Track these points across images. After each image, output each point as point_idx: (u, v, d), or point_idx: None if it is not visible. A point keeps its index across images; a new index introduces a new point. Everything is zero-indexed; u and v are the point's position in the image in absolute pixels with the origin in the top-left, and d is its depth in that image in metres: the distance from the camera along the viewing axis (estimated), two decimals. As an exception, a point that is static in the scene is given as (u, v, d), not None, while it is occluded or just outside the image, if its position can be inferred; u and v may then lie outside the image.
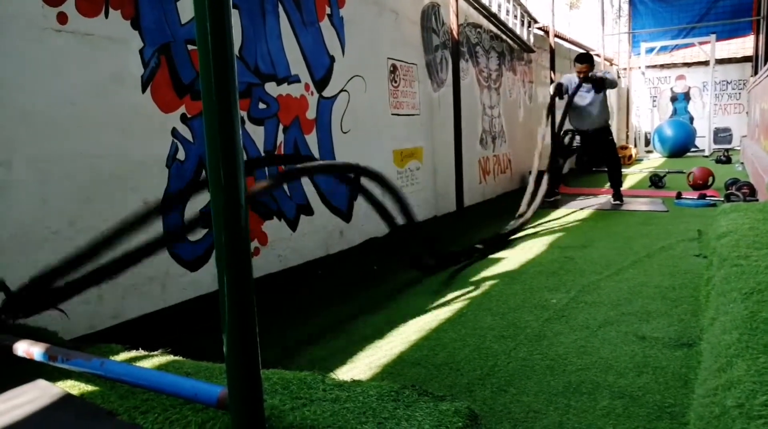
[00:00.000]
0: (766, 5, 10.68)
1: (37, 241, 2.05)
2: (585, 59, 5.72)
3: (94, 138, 2.28)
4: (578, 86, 5.66)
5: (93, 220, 2.23)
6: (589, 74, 5.64)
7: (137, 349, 1.78)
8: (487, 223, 4.60)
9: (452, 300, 2.84)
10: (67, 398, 1.47)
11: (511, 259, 3.68)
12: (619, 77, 14.68)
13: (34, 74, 2.06)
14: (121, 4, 2.37)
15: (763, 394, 1.24)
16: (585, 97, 5.74)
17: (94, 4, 2.27)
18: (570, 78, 5.87)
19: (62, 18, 2.15)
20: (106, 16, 2.32)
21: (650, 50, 13.97)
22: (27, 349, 1.51)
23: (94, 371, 1.34)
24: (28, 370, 1.60)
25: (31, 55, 2.05)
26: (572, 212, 5.51)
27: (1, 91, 1.97)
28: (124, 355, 1.73)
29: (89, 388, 1.52)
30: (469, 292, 2.95)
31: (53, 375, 1.59)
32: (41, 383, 1.55)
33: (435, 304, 2.79)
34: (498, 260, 3.66)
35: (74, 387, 1.54)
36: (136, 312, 2.43)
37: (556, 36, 8.67)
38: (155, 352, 1.75)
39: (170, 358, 1.72)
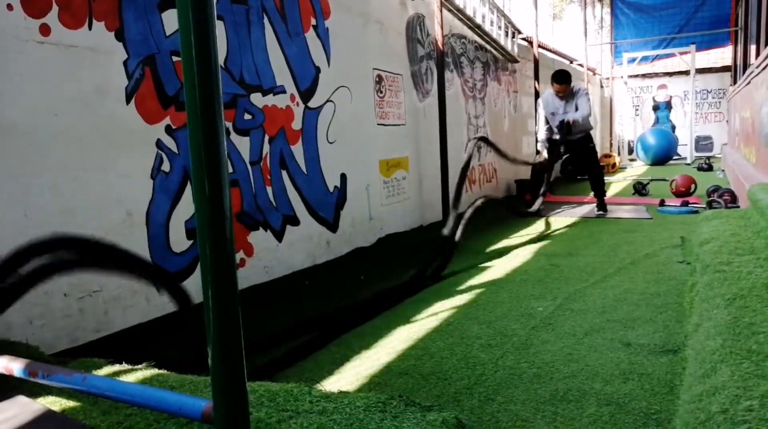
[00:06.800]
0: (744, 16, 10.90)
1: (18, 254, 2.02)
2: (562, 79, 5.59)
3: (78, 150, 2.26)
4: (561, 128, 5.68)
5: (76, 232, 2.20)
6: (565, 121, 5.61)
7: (121, 363, 1.75)
8: (474, 232, 4.61)
9: (439, 309, 2.84)
10: (48, 414, 1.44)
11: (497, 267, 3.69)
12: (602, 86, 14.90)
13: (16, 86, 2.04)
14: (105, 15, 2.36)
15: (746, 399, 1.25)
16: (567, 111, 5.75)
17: (78, 15, 2.26)
18: (547, 97, 5.83)
19: (45, 30, 2.14)
20: (90, 27, 2.31)
21: (632, 60, 14.20)
22: (6, 364, 1.48)
23: (76, 386, 1.32)
24: (7, 387, 1.57)
25: (13, 67, 2.03)
26: (557, 221, 5.56)
27: (-19, 103, 1.95)
28: (107, 370, 1.71)
29: (71, 403, 1.49)
30: (455, 301, 2.95)
31: (34, 391, 1.56)
32: (21, 399, 1.52)
33: (422, 314, 2.78)
34: (484, 269, 3.67)
35: (55, 403, 1.51)
36: (119, 325, 2.40)
37: (539, 46, 8.79)
38: (139, 366, 1.73)
39: (154, 371, 1.69)
